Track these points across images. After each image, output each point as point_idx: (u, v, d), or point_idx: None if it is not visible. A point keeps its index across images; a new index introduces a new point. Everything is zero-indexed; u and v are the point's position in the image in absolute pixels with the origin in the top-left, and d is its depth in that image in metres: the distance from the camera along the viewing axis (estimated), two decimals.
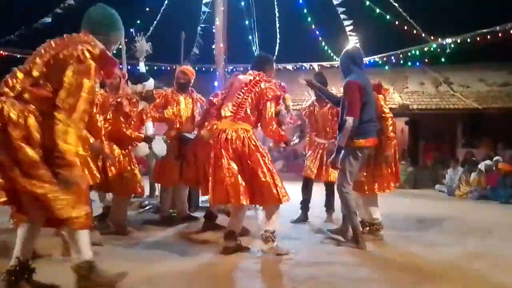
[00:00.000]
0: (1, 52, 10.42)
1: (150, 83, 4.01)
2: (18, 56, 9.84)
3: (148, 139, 3.94)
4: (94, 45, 2.13)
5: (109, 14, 2.33)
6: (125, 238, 3.62)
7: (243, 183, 3.11)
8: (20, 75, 2.08)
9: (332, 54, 11.46)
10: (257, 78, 3.26)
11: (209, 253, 3.23)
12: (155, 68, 11.61)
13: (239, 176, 3.11)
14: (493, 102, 11.20)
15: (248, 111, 3.20)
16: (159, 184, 5.03)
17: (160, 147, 4.01)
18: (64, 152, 1.97)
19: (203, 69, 11.12)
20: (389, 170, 3.78)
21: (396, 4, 9.88)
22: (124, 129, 3.71)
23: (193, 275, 2.73)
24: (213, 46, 7.81)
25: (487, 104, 11.10)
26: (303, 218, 4.64)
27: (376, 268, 2.97)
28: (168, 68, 11.92)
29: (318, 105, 4.59)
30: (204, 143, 4.05)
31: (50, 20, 9.92)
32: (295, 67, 12.29)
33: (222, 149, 3.14)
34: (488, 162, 8.55)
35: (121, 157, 3.74)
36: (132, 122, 3.84)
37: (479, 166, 8.55)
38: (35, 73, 2.08)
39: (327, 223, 4.51)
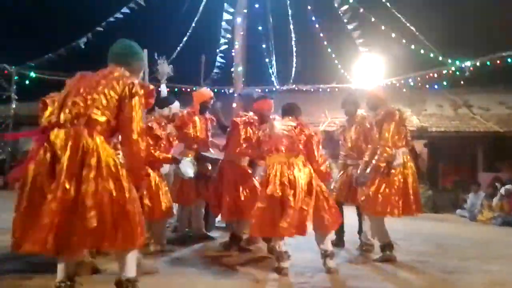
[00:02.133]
0: (32, 74, 10.90)
1: (176, 105, 4.14)
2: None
3: (176, 160, 4.04)
4: (144, 84, 2.45)
5: (129, 46, 2.54)
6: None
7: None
8: (79, 102, 2.24)
9: (348, 76, 11.55)
10: (302, 123, 3.65)
11: (229, 273, 3.25)
12: (176, 89, 11.92)
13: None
14: None
15: (301, 147, 3.50)
16: (177, 203, 5.11)
17: (188, 168, 4.07)
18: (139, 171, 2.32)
19: (222, 90, 11.36)
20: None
21: (414, 28, 9.96)
22: (153, 151, 3.78)
23: None
24: (232, 69, 8.00)
25: (509, 127, 10.88)
26: (338, 242, 4.44)
27: None
28: (189, 89, 12.22)
29: (347, 125, 4.58)
30: (234, 165, 4.15)
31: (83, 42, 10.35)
32: (312, 89, 12.41)
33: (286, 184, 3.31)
34: (508, 186, 8.32)
35: (156, 179, 3.80)
36: (162, 144, 3.93)
37: (500, 190, 8.32)
38: (81, 103, 2.24)
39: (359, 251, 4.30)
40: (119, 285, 2.25)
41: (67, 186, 2.03)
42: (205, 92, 4.91)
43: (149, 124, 3.82)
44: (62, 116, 2.20)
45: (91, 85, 2.28)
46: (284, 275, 3.23)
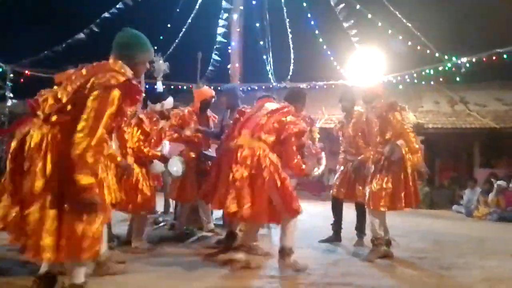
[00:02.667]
0: (27, 72, 10.83)
1: (169, 101, 4.10)
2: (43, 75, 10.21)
3: (164, 159, 3.98)
4: (123, 73, 2.22)
5: (135, 36, 2.38)
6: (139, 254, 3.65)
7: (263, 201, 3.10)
8: (50, 100, 2.18)
9: (344, 73, 11.56)
10: (285, 110, 3.36)
11: (223, 271, 3.24)
12: (172, 87, 11.87)
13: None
14: (511, 122, 11.03)
15: (266, 134, 3.23)
16: (173, 201, 5.08)
17: (176, 167, 4.03)
18: (78, 181, 2.01)
19: (219, 88, 11.32)
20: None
21: (410, 25, 9.95)
22: (143, 147, 3.77)
23: None
24: (229, 66, 7.98)
25: (505, 124, 10.93)
26: (335, 239, 4.49)
27: None
28: (185, 87, 12.18)
29: (345, 121, 4.58)
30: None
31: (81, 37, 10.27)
32: (309, 86, 12.40)
33: (239, 165, 3.14)
34: (500, 182, 8.37)
35: (139, 175, 3.77)
36: (152, 140, 3.91)
37: (495, 186, 8.37)
38: (64, 99, 2.17)
39: (356, 247, 4.30)
40: None
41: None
42: (206, 90, 4.88)
43: (140, 116, 3.80)
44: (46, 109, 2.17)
45: (77, 77, 2.21)
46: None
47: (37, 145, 2.08)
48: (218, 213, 5.52)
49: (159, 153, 3.97)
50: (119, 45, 2.33)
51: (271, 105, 3.45)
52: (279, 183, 3.12)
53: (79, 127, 2.04)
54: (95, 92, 2.10)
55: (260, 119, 3.32)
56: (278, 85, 12.01)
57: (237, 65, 7.57)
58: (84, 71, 2.25)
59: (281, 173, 3.18)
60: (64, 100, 2.16)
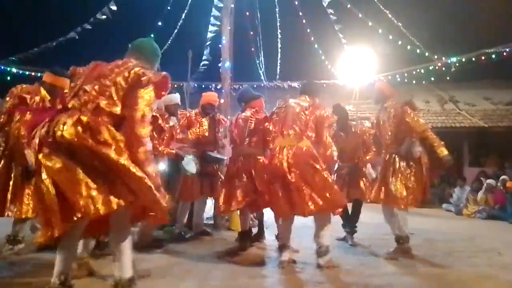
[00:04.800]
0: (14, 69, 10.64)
1: (172, 97, 4.20)
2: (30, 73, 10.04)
3: (179, 157, 4.03)
4: (154, 72, 2.39)
5: (151, 42, 2.64)
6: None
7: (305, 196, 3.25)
8: (91, 90, 2.24)
9: (335, 72, 11.58)
10: (315, 105, 3.56)
11: (222, 270, 3.21)
12: None
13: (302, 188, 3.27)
14: (499, 121, 11.17)
15: (310, 132, 3.46)
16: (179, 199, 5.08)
17: (191, 165, 4.10)
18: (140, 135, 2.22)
19: (210, 86, 11.27)
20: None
21: (400, 24, 10.01)
22: (157, 145, 3.79)
23: None
24: (220, 64, 7.92)
25: (494, 123, 11.08)
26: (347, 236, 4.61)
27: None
28: (175, 85, 12.08)
29: (343, 134, 4.63)
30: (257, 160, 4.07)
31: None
32: (299, 85, 12.39)
33: (284, 165, 3.30)
34: (489, 180, 8.47)
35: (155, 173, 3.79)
36: (165, 138, 3.94)
37: (484, 185, 8.46)
38: (93, 92, 2.24)
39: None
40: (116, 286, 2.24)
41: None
42: (209, 95, 4.93)
43: (154, 114, 3.83)
44: (71, 103, 2.22)
45: (104, 73, 2.27)
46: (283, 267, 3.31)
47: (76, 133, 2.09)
48: (209, 213, 5.50)
49: (173, 151, 4.01)
50: (137, 47, 2.54)
51: (301, 103, 3.56)
52: (327, 177, 3.32)
53: (138, 119, 2.19)
54: (143, 89, 2.23)
55: (299, 117, 3.47)
56: (269, 84, 11.99)
57: (228, 63, 7.50)
58: (109, 66, 2.32)
59: (325, 167, 3.38)
60: (93, 92, 2.23)
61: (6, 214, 3.30)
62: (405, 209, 3.84)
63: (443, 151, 3.82)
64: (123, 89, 2.22)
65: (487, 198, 8.23)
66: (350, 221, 4.57)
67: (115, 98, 2.21)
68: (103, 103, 2.19)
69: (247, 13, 9.68)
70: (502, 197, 8.05)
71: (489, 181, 8.47)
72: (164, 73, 2.37)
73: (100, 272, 2.88)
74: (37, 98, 3.42)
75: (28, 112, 3.30)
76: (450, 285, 3.03)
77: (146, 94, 2.24)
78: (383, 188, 3.91)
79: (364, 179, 4.58)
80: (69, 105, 2.22)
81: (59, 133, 2.07)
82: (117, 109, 2.21)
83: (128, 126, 2.22)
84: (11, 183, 3.32)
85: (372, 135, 4.47)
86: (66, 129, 2.07)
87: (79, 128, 2.08)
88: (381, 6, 9.83)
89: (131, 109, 2.21)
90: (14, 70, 10.60)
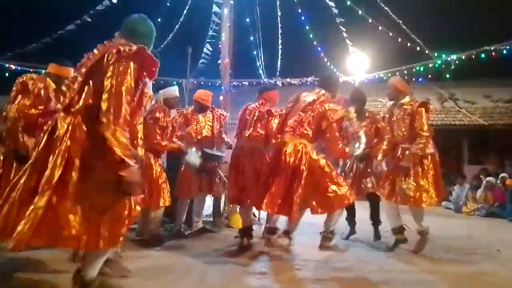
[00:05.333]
0: (11, 65, 10.60)
1: (170, 90, 4.21)
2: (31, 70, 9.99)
3: (182, 151, 4.07)
4: (131, 45, 2.15)
5: (145, 22, 2.35)
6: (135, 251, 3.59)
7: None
8: (63, 88, 2.16)
9: (334, 69, 11.56)
10: (322, 99, 3.50)
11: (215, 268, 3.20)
12: (161, 82, 11.73)
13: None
14: (499, 119, 11.16)
15: (307, 128, 3.43)
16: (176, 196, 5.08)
17: (194, 158, 4.13)
18: (115, 152, 1.96)
19: (209, 83, 11.23)
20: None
21: (401, 22, 9.98)
22: (161, 141, 3.88)
23: None
24: (219, 61, 7.90)
25: (493, 121, 11.06)
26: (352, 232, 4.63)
27: (379, 284, 2.92)
28: (174, 82, 12.05)
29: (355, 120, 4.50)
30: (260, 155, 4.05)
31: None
32: (299, 82, 12.38)
33: (284, 161, 3.32)
34: (489, 178, 8.47)
35: (158, 168, 3.87)
36: (168, 132, 4.00)
37: (484, 182, 8.47)
38: (79, 82, 2.13)
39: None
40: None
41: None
42: (200, 91, 4.90)
43: (156, 115, 3.88)
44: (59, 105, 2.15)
45: (90, 59, 2.16)
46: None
47: (60, 137, 2.03)
48: (208, 211, 5.50)
49: (176, 145, 4.05)
50: (125, 29, 2.29)
51: (308, 97, 3.55)
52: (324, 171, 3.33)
53: (103, 107, 1.98)
54: (111, 67, 2.03)
55: (299, 114, 3.46)
56: (269, 81, 11.97)
57: (227, 60, 7.48)
58: (95, 50, 2.20)
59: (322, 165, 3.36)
60: (79, 82, 2.11)
61: None
62: (417, 207, 3.90)
63: (408, 158, 3.83)
64: (107, 66, 2.05)
65: (486, 196, 8.23)
66: (352, 221, 4.57)
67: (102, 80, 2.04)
68: (82, 100, 2.07)
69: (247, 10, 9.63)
70: (502, 195, 8.06)
71: (489, 178, 8.47)
72: (142, 48, 2.16)
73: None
74: (40, 85, 3.44)
75: (29, 98, 3.35)
76: (448, 282, 3.02)
77: (129, 74, 2.04)
78: (394, 185, 3.94)
79: (369, 169, 4.39)
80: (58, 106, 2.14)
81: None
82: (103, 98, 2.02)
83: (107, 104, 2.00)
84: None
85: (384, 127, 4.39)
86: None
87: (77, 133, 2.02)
88: (381, 4, 9.80)
89: (111, 82, 2.01)
90: (12, 66, 10.55)
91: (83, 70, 2.16)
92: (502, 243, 4.70)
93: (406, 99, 4.03)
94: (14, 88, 3.49)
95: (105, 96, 2.00)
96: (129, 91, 2.05)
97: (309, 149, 3.38)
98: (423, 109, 3.89)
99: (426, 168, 3.86)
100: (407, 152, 3.86)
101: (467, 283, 3.04)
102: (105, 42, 2.23)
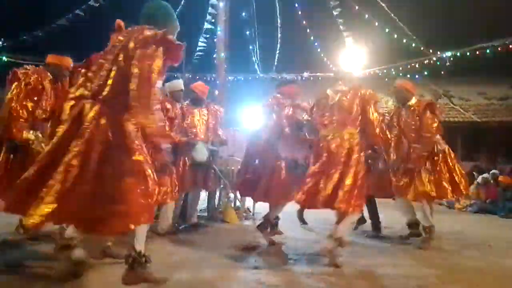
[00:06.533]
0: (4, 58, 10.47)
1: (175, 83, 4.27)
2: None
3: (191, 144, 4.04)
4: (155, 30, 2.13)
5: (164, 6, 2.33)
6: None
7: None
8: (90, 74, 2.12)
9: (330, 65, 11.56)
10: (355, 87, 3.46)
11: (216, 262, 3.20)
12: None
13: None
14: (492, 116, 11.25)
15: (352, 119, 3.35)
16: None
17: (201, 153, 4.12)
18: (154, 137, 2.02)
19: (204, 78, 11.18)
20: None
21: (396, 18, 9.99)
22: (169, 132, 3.88)
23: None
24: (214, 56, 7.86)
25: (487, 118, 11.15)
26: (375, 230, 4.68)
27: (372, 279, 2.95)
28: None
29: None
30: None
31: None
32: (295, 78, 12.36)
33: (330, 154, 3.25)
34: (485, 175, 8.54)
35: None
36: (175, 124, 4.07)
37: (477, 179, 8.54)
38: (106, 68, 2.10)
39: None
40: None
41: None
42: (199, 83, 4.89)
43: (167, 106, 3.91)
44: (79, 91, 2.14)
45: (113, 46, 2.13)
46: None
47: (87, 122, 2.00)
48: (202, 205, 5.50)
49: (184, 139, 4.06)
50: (146, 15, 2.26)
51: (339, 89, 3.48)
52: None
53: (133, 93, 1.95)
54: (138, 52, 1.99)
55: (340, 105, 3.39)
56: (264, 76, 11.95)
57: (222, 54, 7.45)
58: (121, 37, 2.15)
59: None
60: (105, 71, 2.08)
61: None
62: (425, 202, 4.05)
63: (415, 160, 3.95)
64: (134, 52, 2.02)
65: (478, 192, 8.31)
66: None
67: (125, 67, 2.02)
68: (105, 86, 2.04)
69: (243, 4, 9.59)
70: (494, 191, 8.14)
71: (485, 175, 8.54)
72: (179, 44, 2.18)
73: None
74: (33, 78, 3.41)
75: (23, 87, 3.32)
76: (439, 277, 3.05)
77: (157, 58, 2.01)
78: (408, 182, 4.01)
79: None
80: (77, 94, 2.13)
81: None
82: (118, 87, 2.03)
83: (137, 89, 1.98)
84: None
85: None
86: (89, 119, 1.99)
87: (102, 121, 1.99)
88: (378, 0, 9.80)
89: (139, 67, 1.99)
90: (4, 58, 10.41)
91: (109, 57, 2.13)
92: (494, 238, 4.75)
93: (413, 100, 4.13)
94: (9, 80, 3.46)
95: (134, 81, 1.97)
96: (158, 74, 2.04)
97: (355, 138, 3.33)
98: (428, 110, 4.00)
99: (437, 164, 4.02)
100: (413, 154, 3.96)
101: (458, 277, 3.07)
102: (129, 28, 2.21)
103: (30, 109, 3.38)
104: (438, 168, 4.05)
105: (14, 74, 3.43)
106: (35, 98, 3.40)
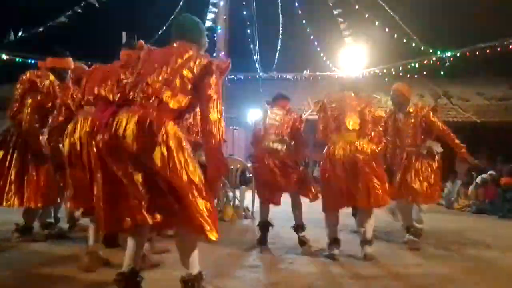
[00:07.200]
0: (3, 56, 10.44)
1: None
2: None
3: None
4: (206, 55, 2.25)
5: (198, 22, 2.42)
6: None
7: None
8: (153, 82, 2.10)
9: (330, 65, 11.57)
10: (368, 101, 3.68)
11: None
12: None
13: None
14: (492, 116, 11.26)
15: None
16: None
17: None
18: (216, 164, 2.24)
19: None
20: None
21: (397, 17, 9.99)
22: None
23: None
24: (214, 54, 7.86)
25: (486, 118, 11.16)
26: None
27: (371, 279, 2.95)
28: None
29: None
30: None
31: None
32: (295, 77, 12.38)
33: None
34: (484, 175, 8.56)
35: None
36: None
37: (476, 179, 8.55)
38: (153, 79, 2.10)
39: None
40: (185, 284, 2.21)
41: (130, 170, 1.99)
42: None
43: None
44: (130, 96, 2.10)
45: (166, 62, 2.13)
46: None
47: (123, 134, 1.98)
48: None
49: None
50: (184, 31, 2.33)
51: (358, 99, 3.58)
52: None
53: (212, 116, 2.08)
54: (212, 79, 2.11)
55: (359, 114, 3.47)
56: (265, 75, 11.94)
57: (222, 53, 7.45)
58: (170, 56, 2.17)
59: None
60: (156, 85, 2.08)
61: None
62: (425, 204, 4.25)
63: (465, 152, 4.31)
64: (190, 81, 2.10)
65: (477, 193, 8.32)
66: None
67: (181, 91, 2.08)
68: (167, 96, 2.06)
69: (243, 3, 9.58)
70: (493, 191, 8.14)
71: (485, 175, 8.54)
72: (228, 60, 2.31)
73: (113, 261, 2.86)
74: (47, 82, 3.45)
75: (39, 96, 3.38)
76: (438, 277, 3.06)
77: (213, 83, 2.12)
78: (402, 186, 4.07)
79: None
80: (129, 97, 2.10)
81: (121, 133, 1.98)
82: (184, 102, 2.09)
83: (202, 117, 2.14)
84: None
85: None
86: (128, 131, 1.97)
87: (142, 131, 1.97)
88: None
89: (203, 98, 2.11)
90: (4, 56, 10.37)
91: (156, 68, 2.12)
92: (492, 239, 4.76)
93: (412, 107, 4.19)
94: (20, 87, 3.48)
95: (211, 105, 2.10)
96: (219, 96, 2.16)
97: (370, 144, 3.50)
98: (431, 113, 4.13)
99: (435, 166, 4.12)
100: (428, 144, 4.12)
101: (456, 276, 3.08)
102: (178, 46, 2.24)
103: (45, 114, 3.51)
104: (434, 170, 4.13)
105: (31, 82, 3.44)
106: (49, 104, 3.49)
